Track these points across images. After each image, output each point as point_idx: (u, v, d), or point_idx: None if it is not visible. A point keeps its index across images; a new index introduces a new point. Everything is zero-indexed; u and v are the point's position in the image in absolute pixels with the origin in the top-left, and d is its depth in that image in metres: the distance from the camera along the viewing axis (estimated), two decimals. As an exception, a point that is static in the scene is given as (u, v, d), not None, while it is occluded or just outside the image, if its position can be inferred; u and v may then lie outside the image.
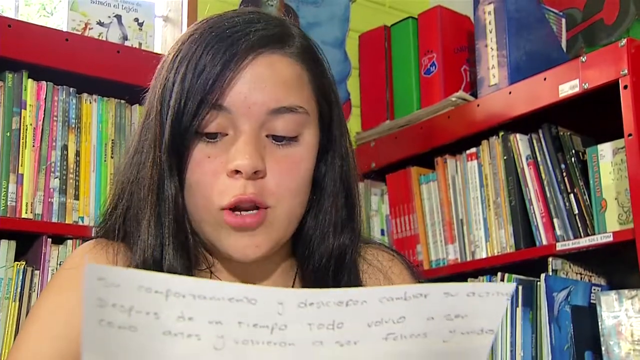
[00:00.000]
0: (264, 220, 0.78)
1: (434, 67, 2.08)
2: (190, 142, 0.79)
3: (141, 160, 0.82)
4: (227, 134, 0.79)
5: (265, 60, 0.79)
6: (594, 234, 1.64)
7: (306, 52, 0.84)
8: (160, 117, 0.80)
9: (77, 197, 1.54)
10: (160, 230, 0.80)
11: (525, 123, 1.77)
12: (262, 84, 0.78)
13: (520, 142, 1.78)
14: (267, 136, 0.80)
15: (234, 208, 0.77)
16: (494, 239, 1.81)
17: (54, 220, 1.50)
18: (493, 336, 0.58)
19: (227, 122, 0.78)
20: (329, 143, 0.85)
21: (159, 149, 0.80)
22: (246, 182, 0.77)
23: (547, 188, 1.73)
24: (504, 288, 0.57)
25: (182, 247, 0.80)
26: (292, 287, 0.87)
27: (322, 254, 0.84)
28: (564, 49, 1.97)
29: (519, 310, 1.63)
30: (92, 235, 0.89)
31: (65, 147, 1.54)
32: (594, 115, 1.72)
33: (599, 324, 1.55)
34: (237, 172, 0.77)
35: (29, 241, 1.48)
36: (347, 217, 0.85)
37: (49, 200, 1.50)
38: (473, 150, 1.88)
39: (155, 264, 0.79)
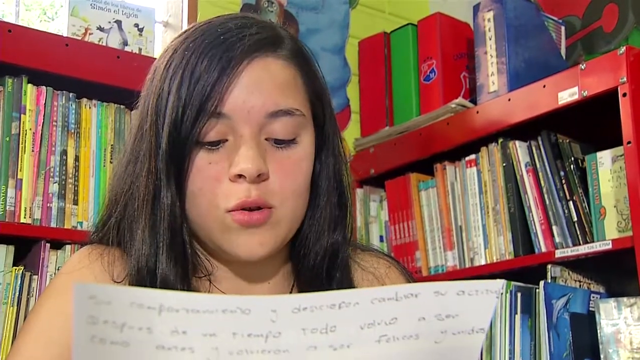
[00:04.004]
0: (270, 218, 0.79)
1: (433, 73, 2.09)
2: (190, 151, 0.79)
3: (135, 171, 0.83)
4: (227, 140, 0.79)
5: (260, 64, 0.80)
6: (593, 242, 1.64)
7: (297, 53, 0.85)
8: (155, 128, 0.80)
9: (76, 202, 1.54)
10: (155, 239, 0.80)
11: (525, 130, 1.77)
12: (259, 88, 0.79)
13: (519, 149, 1.78)
14: (266, 139, 0.80)
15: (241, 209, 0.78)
16: (492, 245, 1.81)
17: (53, 225, 1.50)
18: (484, 335, 0.58)
19: (226, 128, 0.78)
20: (322, 142, 0.86)
21: (154, 159, 0.80)
22: (250, 186, 0.78)
23: (546, 195, 1.73)
24: (493, 285, 0.57)
25: (177, 256, 0.80)
26: (291, 291, 0.88)
27: (317, 252, 0.84)
28: (563, 57, 1.97)
29: (518, 317, 1.63)
30: (89, 238, 0.89)
31: (64, 152, 1.54)
32: (593, 123, 1.72)
33: (598, 331, 1.55)
34: (240, 176, 0.77)
35: (27, 246, 1.48)
36: (340, 214, 0.86)
37: (48, 205, 1.50)
38: (472, 157, 1.88)
39: (149, 273, 0.79)
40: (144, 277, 0.79)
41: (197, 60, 0.79)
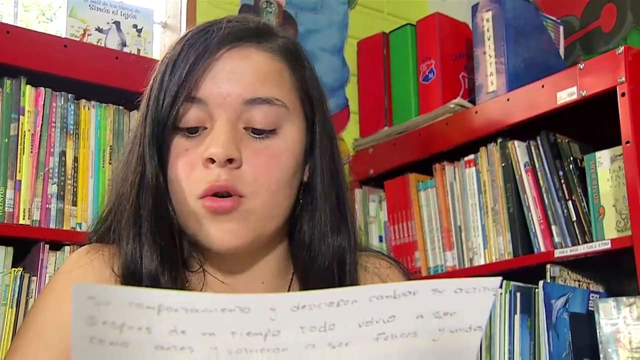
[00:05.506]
0: (239, 206, 0.78)
1: (432, 73, 2.09)
2: (170, 137, 0.80)
3: (127, 163, 0.84)
4: (205, 128, 0.80)
5: (240, 53, 0.81)
6: (592, 241, 1.64)
7: (288, 50, 0.84)
8: (144, 116, 0.82)
9: (75, 204, 1.54)
10: (139, 223, 0.80)
11: (524, 130, 1.77)
12: (237, 75, 0.79)
13: (518, 149, 1.78)
14: (245, 129, 0.80)
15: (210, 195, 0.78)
16: (492, 245, 1.81)
17: (52, 226, 1.50)
18: (481, 333, 0.58)
19: (204, 115, 0.79)
20: (314, 142, 0.85)
21: (141, 145, 0.81)
22: (220, 171, 0.77)
23: (545, 195, 1.73)
24: (490, 282, 0.57)
25: (162, 243, 0.80)
26: (289, 289, 0.87)
27: (324, 256, 0.83)
28: (562, 57, 1.98)
29: (517, 317, 1.63)
30: (88, 237, 0.89)
31: (63, 153, 1.54)
32: (591, 123, 1.72)
33: (597, 331, 1.55)
34: (211, 161, 0.77)
35: (26, 247, 1.48)
36: (341, 217, 0.85)
37: (47, 206, 1.50)
38: (471, 157, 1.88)
39: (134, 262, 0.79)
40: (129, 268, 0.79)
41: (181, 50, 0.81)
